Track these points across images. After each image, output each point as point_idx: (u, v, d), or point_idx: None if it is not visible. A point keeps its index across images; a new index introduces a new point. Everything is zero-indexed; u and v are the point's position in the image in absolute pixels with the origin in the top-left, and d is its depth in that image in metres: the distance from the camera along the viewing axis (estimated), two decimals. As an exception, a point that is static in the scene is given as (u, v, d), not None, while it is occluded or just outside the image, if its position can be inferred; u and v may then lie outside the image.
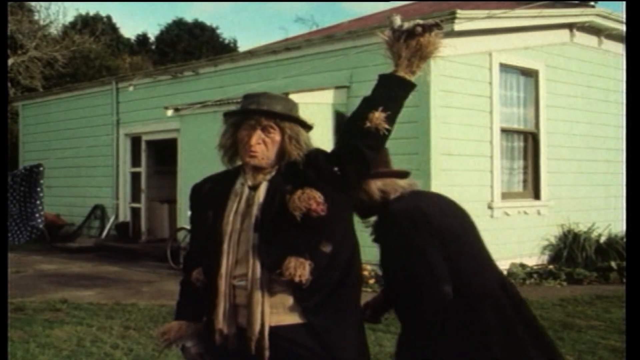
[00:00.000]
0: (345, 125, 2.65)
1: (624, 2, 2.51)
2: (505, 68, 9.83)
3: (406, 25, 2.62)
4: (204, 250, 2.60)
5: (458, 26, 8.30)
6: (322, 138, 7.43)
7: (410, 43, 2.60)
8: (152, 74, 13.14)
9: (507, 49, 9.77)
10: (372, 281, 8.47)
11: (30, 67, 20.54)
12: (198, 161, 9.64)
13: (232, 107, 9.65)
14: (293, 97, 8.70)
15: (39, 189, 5.61)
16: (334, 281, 2.50)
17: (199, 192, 2.72)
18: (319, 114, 8.84)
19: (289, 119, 2.59)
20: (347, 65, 9.41)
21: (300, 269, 2.42)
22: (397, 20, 2.63)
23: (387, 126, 2.55)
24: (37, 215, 5.61)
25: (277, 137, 2.58)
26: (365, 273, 8.25)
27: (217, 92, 10.87)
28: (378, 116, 2.53)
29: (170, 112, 10.67)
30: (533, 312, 2.82)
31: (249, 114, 2.59)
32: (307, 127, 2.64)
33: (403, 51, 2.61)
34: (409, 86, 2.63)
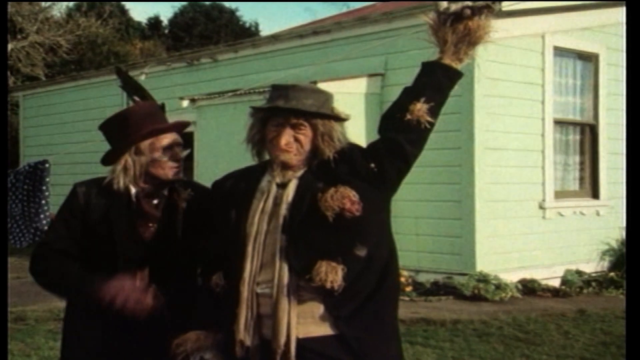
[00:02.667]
0: (383, 117, 2.68)
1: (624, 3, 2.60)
2: (560, 52, 9.75)
3: (453, 7, 2.63)
4: (225, 254, 2.64)
5: (507, 6, 8.27)
6: (355, 131, 7.44)
7: (458, 27, 2.61)
8: (166, 61, 13.26)
9: (563, 30, 9.69)
10: (409, 289, 8.49)
11: (31, 54, 20.76)
12: (217, 157, 9.72)
13: (254, 98, 9.71)
14: (321, 86, 8.73)
15: (44, 188, 5.70)
16: (369, 288, 2.53)
17: (220, 190, 2.76)
18: (350, 105, 8.85)
19: (321, 116, 2.61)
20: (382, 51, 9.40)
21: (332, 274, 2.45)
22: (443, 2, 2.64)
23: (429, 119, 2.57)
24: (41, 216, 5.71)
25: (309, 133, 2.61)
26: (402, 279, 8.27)
27: (238, 81, 10.92)
28: (420, 108, 2.56)
29: (185, 103, 10.77)
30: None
31: (275, 112, 2.62)
32: (342, 120, 2.66)
33: (449, 36, 2.62)
34: (456, 75, 2.64)
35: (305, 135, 2.61)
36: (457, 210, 8.89)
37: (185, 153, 2.92)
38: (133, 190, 2.85)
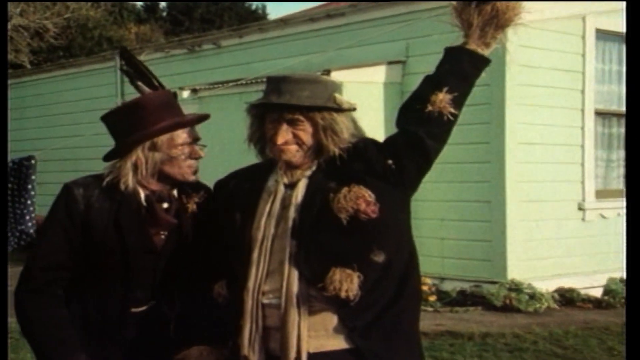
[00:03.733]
0: (402, 108, 2.69)
1: (624, 2, 2.65)
2: (602, 35, 9.68)
3: None
4: (228, 260, 2.67)
5: (541, -17, 8.24)
6: (373, 124, 7.45)
7: (484, 8, 2.62)
8: (164, 47, 13.30)
9: (606, 11, 9.62)
10: (432, 298, 8.49)
11: (14, 38, 20.80)
12: (220, 153, 9.72)
13: (261, 88, 9.66)
14: (336, 75, 8.75)
15: (30, 187, 5.73)
16: (388, 297, 2.55)
17: (223, 191, 2.79)
18: (368, 96, 8.87)
19: (317, 109, 2.60)
20: (403, 36, 9.40)
21: (346, 282, 2.47)
22: None
23: (453, 110, 2.58)
24: (27, 217, 5.74)
25: (309, 128, 2.62)
26: (425, 288, 8.27)
27: (243, 69, 10.95)
28: (442, 98, 2.57)
29: (186, 94, 10.80)
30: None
31: (268, 108, 2.64)
32: (343, 111, 2.65)
33: (475, 18, 2.63)
34: (482, 62, 2.65)
35: (305, 131, 2.61)
36: (486, 211, 8.87)
37: (205, 150, 2.86)
38: (142, 192, 2.79)
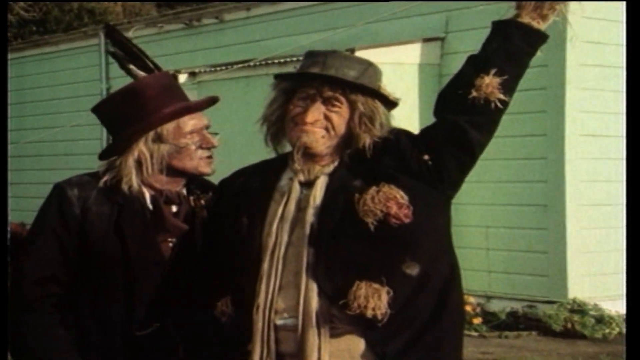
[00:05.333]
0: (441, 95, 2.71)
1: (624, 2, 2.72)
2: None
3: None
4: (234, 273, 2.69)
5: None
6: (406, 113, 7.45)
7: None
8: (157, 22, 13.34)
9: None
10: (477, 321, 8.48)
11: (-21, 12, 20.88)
12: (223, 147, 9.74)
13: (272, 70, 9.68)
14: (361, 55, 8.73)
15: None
16: (423, 318, 2.56)
17: (228, 191, 2.81)
18: (400, 79, 8.87)
19: (365, 91, 2.64)
20: (441, 7, 9.40)
21: (374, 298, 2.48)
22: None
23: (502, 96, 2.59)
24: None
25: (345, 112, 2.64)
26: (469, 308, 8.25)
27: (250, 48, 10.96)
28: (490, 82, 2.58)
29: (183, 78, 10.82)
30: None
31: (307, 80, 2.66)
32: (390, 105, 2.69)
33: None
34: (537, 38, 2.66)
35: (340, 115, 2.64)
36: (542, 216, 8.86)
37: (218, 138, 2.87)
38: (147, 193, 2.80)
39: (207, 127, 2.85)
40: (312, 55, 2.71)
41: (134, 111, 2.77)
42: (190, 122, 2.79)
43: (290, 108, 2.68)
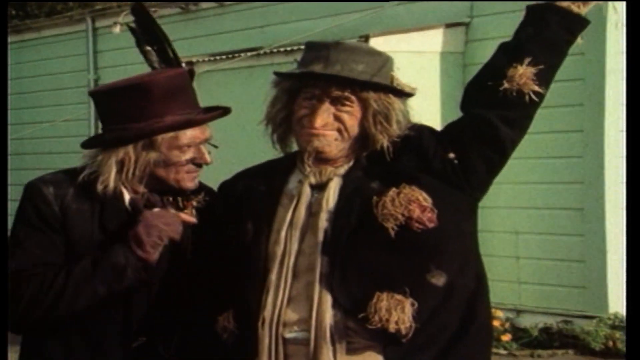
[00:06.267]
0: (469, 87, 2.73)
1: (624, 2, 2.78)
2: None
3: None
4: (237, 285, 2.70)
5: None
6: (427, 107, 7.42)
7: None
8: (150, 6, 13.32)
9: None
10: (506, 337, 8.46)
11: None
12: (224, 146, 9.75)
13: (278, 60, 9.66)
14: (376, 42, 8.73)
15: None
16: (450, 332, 2.57)
17: (229, 194, 2.83)
18: (419, 70, 8.85)
19: (377, 88, 2.64)
20: (465, -11, 9.38)
21: (396, 311, 2.49)
22: None
23: (537, 88, 2.60)
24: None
25: (357, 111, 2.65)
26: (496, 323, 8.23)
27: (254, 35, 10.96)
28: (523, 72, 2.59)
29: (178, 68, 10.81)
30: None
31: (311, 79, 2.66)
32: (405, 96, 2.69)
33: None
34: (577, 23, 2.67)
35: (351, 115, 2.65)
36: (579, 222, 8.83)
37: (212, 155, 2.87)
38: (127, 195, 2.82)
39: (206, 140, 2.85)
40: (313, 49, 2.72)
41: (134, 110, 2.77)
42: (189, 134, 2.79)
43: (295, 108, 2.69)
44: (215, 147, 2.88)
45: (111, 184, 2.76)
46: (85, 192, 2.78)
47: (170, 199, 2.87)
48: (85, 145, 2.87)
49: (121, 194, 2.80)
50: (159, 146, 2.75)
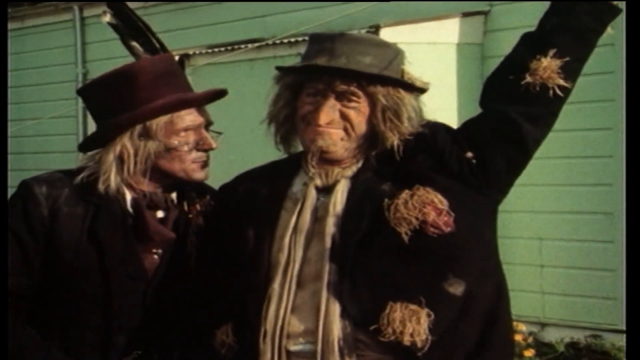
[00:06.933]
0: (489, 81, 2.74)
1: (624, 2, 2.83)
2: None
3: None
4: (237, 295, 2.70)
5: None
6: (442, 103, 7.41)
7: None
8: (142, -6, 13.36)
9: None
10: (529, 353, 8.44)
11: None
12: (222, 146, 9.75)
13: (281, 53, 9.68)
14: (387, 33, 8.74)
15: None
16: (469, 345, 2.58)
17: (229, 198, 2.84)
18: (434, 62, 8.85)
19: (386, 81, 2.65)
20: (484, -26, 9.39)
21: (411, 322, 2.49)
22: None
23: (562, 81, 2.60)
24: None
25: (365, 108, 2.66)
26: (518, 337, 8.22)
27: (255, 25, 10.98)
28: (548, 65, 2.59)
29: (173, 61, 10.84)
30: None
31: (315, 73, 2.67)
32: (417, 91, 2.70)
33: None
34: (608, 12, 2.66)
35: (359, 111, 2.66)
36: (607, 227, 8.82)
37: (219, 140, 2.89)
38: (129, 195, 2.83)
39: (208, 125, 2.86)
40: (317, 40, 2.73)
41: (123, 99, 2.79)
42: (186, 118, 2.81)
43: (299, 105, 2.70)
44: (219, 133, 2.90)
45: (112, 183, 2.78)
46: (81, 195, 2.80)
47: (175, 201, 2.88)
48: (82, 147, 2.89)
49: (123, 196, 2.81)
50: (156, 133, 2.78)
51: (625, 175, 3.01)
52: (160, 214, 2.85)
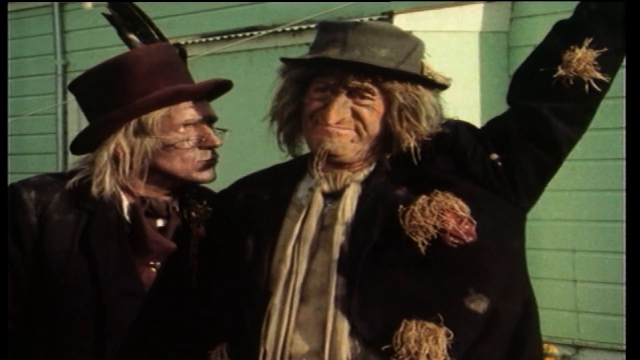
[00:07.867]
0: (517, 75, 2.74)
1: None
2: None
3: None
4: (235, 311, 2.70)
5: None
6: (464, 99, 7.42)
7: None
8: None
9: None
10: (560, 376, 8.46)
11: None
12: (221, 147, 9.77)
13: (284, 43, 9.67)
14: (401, 21, 8.74)
15: None
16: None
17: (228, 206, 2.84)
18: (455, 53, 8.85)
19: (404, 77, 2.65)
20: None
21: (429, 342, 2.49)
22: None
23: (599, 75, 2.60)
24: None
25: (379, 106, 2.67)
26: (549, 360, 8.24)
27: (255, 13, 11.00)
28: (582, 56, 2.59)
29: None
30: None
31: (325, 67, 2.67)
32: (438, 87, 2.71)
33: None
34: None
35: (373, 110, 2.66)
36: (649, 237, 8.82)
37: (224, 137, 2.90)
38: (126, 201, 2.84)
39: (211, 120, 2.86)
40: (328, 30, 2.73)
41: (116, 93, 2.81)
42: (186, 112, 2.82)
43: (306, 101, 2.70)
44: (224, 130, 2.91)
45: (107, 187, 2.79)
46: (73, 201, 2.81)
47: (177, 208, 2.89)
48: (73, 147, 2.90)
49: (119, 202, 2.82)
50: (152, 129, 2.79)
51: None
52: (160, 222, 2.86)
